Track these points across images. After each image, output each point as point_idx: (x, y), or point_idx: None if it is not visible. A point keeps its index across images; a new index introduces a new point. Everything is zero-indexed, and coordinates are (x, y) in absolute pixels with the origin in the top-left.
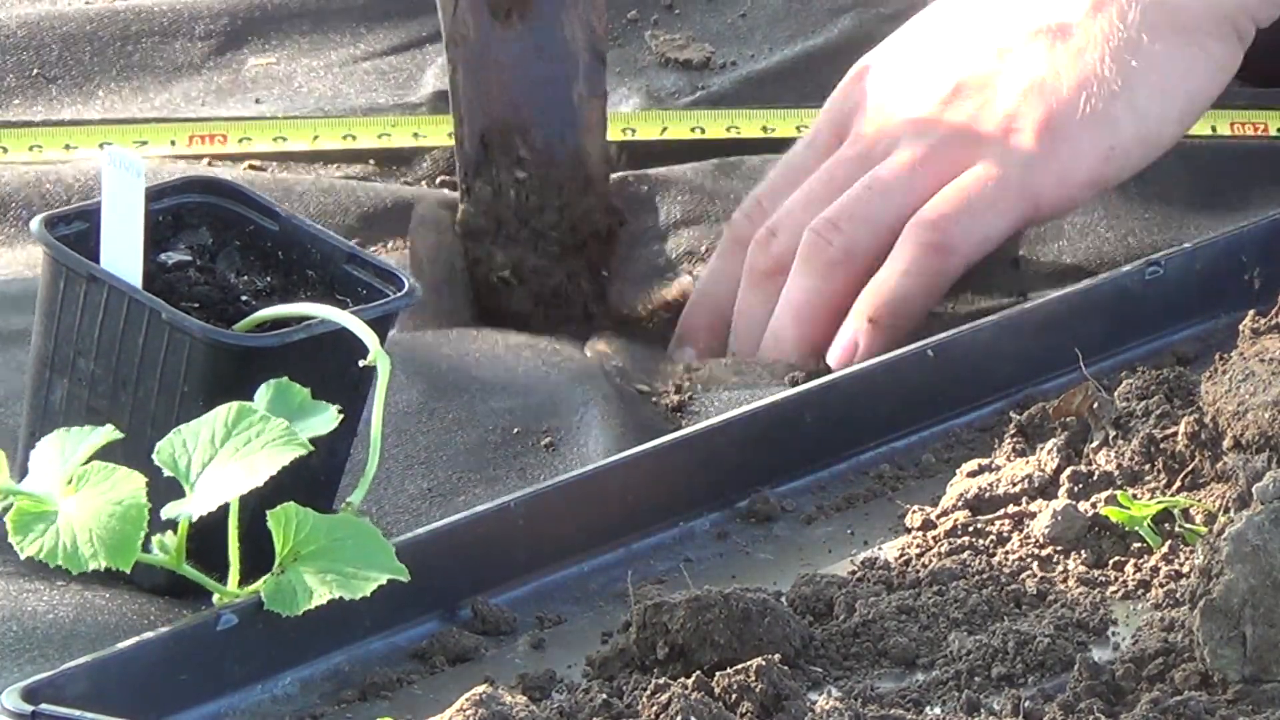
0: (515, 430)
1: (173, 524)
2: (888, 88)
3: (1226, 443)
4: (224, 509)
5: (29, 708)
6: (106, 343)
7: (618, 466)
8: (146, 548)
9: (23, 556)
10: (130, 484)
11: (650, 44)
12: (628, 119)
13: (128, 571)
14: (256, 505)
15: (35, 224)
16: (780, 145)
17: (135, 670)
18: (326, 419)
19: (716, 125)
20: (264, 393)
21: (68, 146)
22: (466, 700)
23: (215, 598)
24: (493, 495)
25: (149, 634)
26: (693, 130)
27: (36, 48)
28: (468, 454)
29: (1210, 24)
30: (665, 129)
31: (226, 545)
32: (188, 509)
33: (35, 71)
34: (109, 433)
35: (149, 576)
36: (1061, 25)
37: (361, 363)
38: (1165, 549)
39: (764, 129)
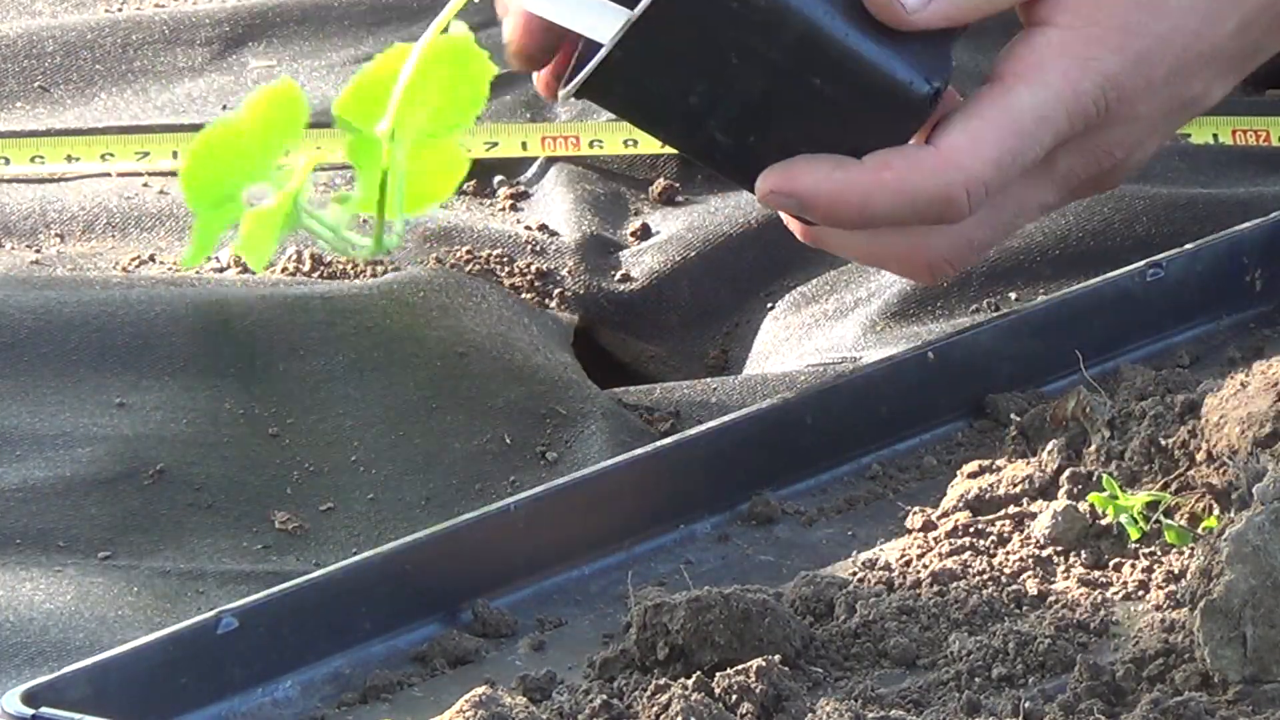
0: (510, 441)
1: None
2: None
3: (1200, 455)
4: None
5: (29, 711)
6: None
7: (618, 469)
8: None
9: None
10: None
11: None
12: (630, 130)
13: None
14: None
15: None
16: None
17: (136, 673)
18: None
19: None
20: None
21: (69, 158)
22: (466, 701)
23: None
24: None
25: (150, 637)
26: None
27: (38, 55)
28: (466, 462)
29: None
30: None
31: None
32: None
33: (37, 80)
34: None
35: None
36: None
37: None
38: (1162, 550)
39: None
